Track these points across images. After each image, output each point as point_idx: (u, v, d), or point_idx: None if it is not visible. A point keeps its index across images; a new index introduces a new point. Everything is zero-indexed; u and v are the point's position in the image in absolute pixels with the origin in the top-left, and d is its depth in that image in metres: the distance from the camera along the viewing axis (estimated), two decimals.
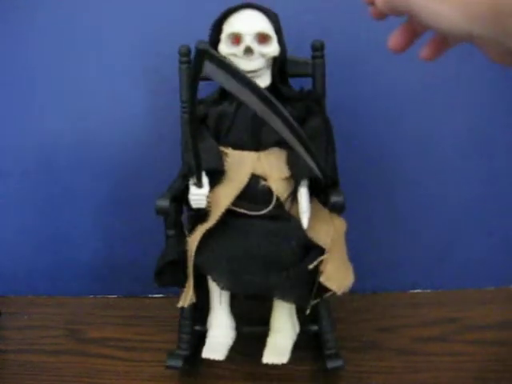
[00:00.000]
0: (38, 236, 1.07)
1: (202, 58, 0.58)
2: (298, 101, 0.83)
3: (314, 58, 0.87)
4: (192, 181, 0.76)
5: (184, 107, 0.89)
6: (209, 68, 0.59)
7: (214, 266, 0.74)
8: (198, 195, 0.75)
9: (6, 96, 1.02)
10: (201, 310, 0.82)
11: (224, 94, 0.82)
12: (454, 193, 1.03)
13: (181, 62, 0.87)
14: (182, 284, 0.77)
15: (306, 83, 0.87)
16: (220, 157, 0.79)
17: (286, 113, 0.64)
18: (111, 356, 0.88)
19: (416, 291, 1.06)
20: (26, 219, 1.07)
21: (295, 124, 0.65)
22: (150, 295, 1.06)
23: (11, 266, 1.09)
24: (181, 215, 0.81)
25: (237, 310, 0.81)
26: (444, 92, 0.99)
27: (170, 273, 0.77)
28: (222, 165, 0.79)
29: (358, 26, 0.95)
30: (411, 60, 0.96)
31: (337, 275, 0.74)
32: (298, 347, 0.80)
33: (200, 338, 0.82)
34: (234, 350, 0.80)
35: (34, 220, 1.07)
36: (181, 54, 0.87)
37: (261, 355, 0.78)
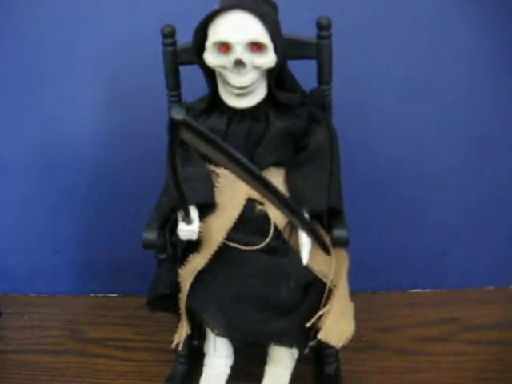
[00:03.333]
0: (38, 235, 1.07)
1: (177, 128, 0.53)
2: (299, 107, 0.75)
3: (319, 37, 0.76)
4: (180, 215, 0.69)
5: (171, 96, 0.82)
6: (186, 136, 0.55)
7: (207, 310, 0.70)
8: (187, 231, 0.70)
9: (6, 95, 1.02)
10: (198, 325, 0.78)
11: (213, 104, 0.74)
12: (454, 193, 1.03)
13: (165, 45, 0.78)
14: (175, 313, 0.75)
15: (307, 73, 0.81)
16: (210, 187, 0.72)
17: (271, 182, 0.59)
18: (111, 356, 0.89)
19: (416, 291, 1.06)
20: (27, 218, 1.07)
21: (281, 192, 0.61)
22: None
23: (11, 266, 1.09)
24: (171, 238, 0.77)
25: None
26: (446, 92, 0.99)
27: (163, 301, 0.74)
28: (213, 198, 0.72)
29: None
30: (413, 60, 0.97)
31: (336, 329, 0.70)
32: None
33: (198, 353, 0.82)
34: (233, 350, 0.80)
35: (35, 219, 1.07)
36: (164, 36, 0.77)
37: (260, 356, 0.78)
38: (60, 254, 1.08)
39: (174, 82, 0.81)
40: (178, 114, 0.52)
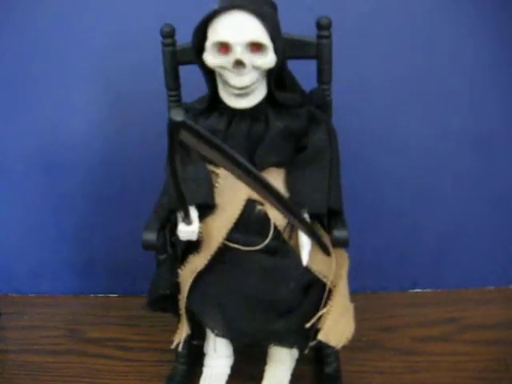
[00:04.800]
0: (38, 235, 1.07)
1: (177, 130, 0.52)
2: (299, 107, 0.74)
3: (319, 37, 0.75)
4: (180, 216, 0.69)
5: (170, 95, 0.81)
6: (186, 138, 0.54)
7: (207, 312, 0.70)
8: (187, 232, 0.69)
9: (8, 95, 1.02)
10: (199, 325, 0.77)
11: (213, 104, 0.73)
12: (454, 193, 1.03)
13: (164, 45, 0.77)
14: (174, 313, 0.75)
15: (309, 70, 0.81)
16: (210, 187, 0.72)
17: (271, 184, 0.59)
18: (111, 356, 0.89)
19: (416, 291, 1.06)
20: (27, 218, 1.07)
21: (281, 194, 0.61)
22: None
23: (12, 265, 1.09)
24: (171, 238, 0.76)
25: None
26: (444, 92, 0.99)
27: (163, 302, 0.74)
28: (212, 198, 0.71)
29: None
30: (411, 59, 0.97)
31: (336, 329, 0.70)
32: None
33: (198, 353, 0.82)
34: (233, 350, 0.80)
35: (35, 219, 1.07)
36: (164, 35, 0.76)
37: (260, 356, 0.78)
38: (60, 254, 1.08)
39: (173, 82, 0.81)
40: (178, 116, 0.51)
